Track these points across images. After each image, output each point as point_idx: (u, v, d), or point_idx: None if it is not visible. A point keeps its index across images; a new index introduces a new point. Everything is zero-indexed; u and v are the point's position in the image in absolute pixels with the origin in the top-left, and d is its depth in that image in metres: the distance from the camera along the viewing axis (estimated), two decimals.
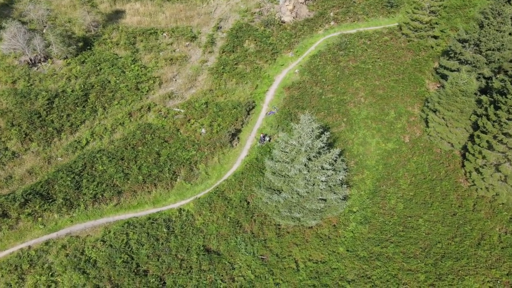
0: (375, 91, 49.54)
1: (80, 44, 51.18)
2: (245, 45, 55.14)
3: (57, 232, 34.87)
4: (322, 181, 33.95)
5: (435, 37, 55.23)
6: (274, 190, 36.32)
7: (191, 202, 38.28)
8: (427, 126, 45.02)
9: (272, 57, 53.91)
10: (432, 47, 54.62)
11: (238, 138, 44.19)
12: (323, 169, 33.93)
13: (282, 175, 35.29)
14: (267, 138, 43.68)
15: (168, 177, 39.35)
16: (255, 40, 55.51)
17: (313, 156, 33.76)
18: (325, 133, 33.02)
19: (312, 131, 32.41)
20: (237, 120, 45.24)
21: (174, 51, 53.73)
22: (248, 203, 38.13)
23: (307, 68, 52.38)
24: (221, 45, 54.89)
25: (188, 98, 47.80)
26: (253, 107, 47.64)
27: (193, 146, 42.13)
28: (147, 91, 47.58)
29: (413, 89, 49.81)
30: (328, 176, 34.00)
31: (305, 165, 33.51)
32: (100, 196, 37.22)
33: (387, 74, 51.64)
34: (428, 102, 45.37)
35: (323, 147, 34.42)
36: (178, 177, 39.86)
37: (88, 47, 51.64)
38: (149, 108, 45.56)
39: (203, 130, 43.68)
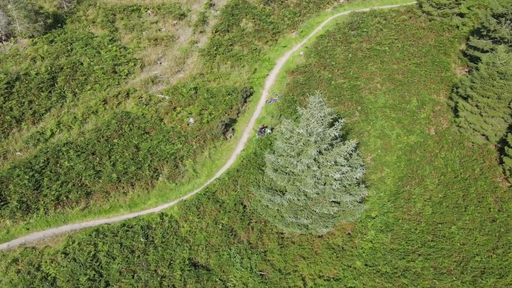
0: (393, 76, 44.51)
1: (49, 21, 45.97)
2: (242, 24, 50.07)
3: (8, 242, 29.65)
4: (335, 179, 28.79)
5: (461, 15, 50.18)
6: (276, 191, 31.15)
7: (175, 205, 33.09)
8: (456, 116, 39.91)
9: (273, 38, 48.83)
10: (458, 27, 49.62)
11: (233, 129, 39.02)
12: (337, 164, 28.76)
13: (286, 172, 30.14)
14: (267, 130, 38.52)
15: (148, 175, 34.18)
16: (254, 19, 50.44)
17: (325, 149, 28.60)
18: (339, 120, 27.86)
19: (324, 116, 27.27)
20: (231, 109, 40.08)
21: (159, 30, 48.60)
22: (245, 206, 32.95)
23: (314, 50, 47.33)
24: (214, 24, 49.85)
25: (175, 83, 42.59)
26: (251, 94, 42.51)
27: (179, 138, 36.94)
28: (126, 75, 42.40)
29: (438, 73, 44.75)
30: (343, 173, 28.82)
31: (314, 159, 28.36)
32: (65, 198, 32.02)
33: (406, 57, 46.63)
34: (458, 88, 40.25)
35: (337, 137, 29.26)
36: (160, 175, 34.69)
37: (59, 25, 46.47)
38: (127, 94, 40.38)
39: (191, 120, 38.50)
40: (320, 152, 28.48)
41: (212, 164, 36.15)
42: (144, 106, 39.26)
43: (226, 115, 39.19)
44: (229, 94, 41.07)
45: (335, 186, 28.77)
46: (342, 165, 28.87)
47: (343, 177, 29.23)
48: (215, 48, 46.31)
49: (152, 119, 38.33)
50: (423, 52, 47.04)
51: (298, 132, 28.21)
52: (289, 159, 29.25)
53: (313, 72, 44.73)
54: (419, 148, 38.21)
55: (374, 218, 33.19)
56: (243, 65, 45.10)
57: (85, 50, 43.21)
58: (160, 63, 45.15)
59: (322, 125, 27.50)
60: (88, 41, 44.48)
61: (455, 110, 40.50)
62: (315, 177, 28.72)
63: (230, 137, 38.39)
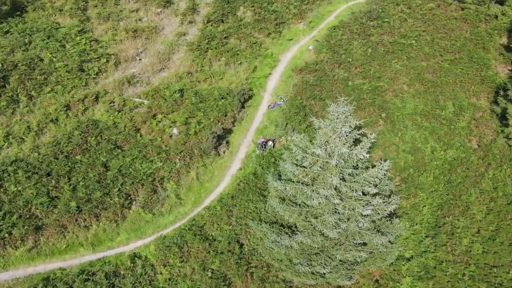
0: (422, 76, 38.13)
1: (5, 8, 39.44)
2: (239, 13, 43.70)
3: None
4: (364, 215, 22.31)
5: (500, 3, 43.84)
6: (283, 227, 24.68)
7: (151, 243, 26.62)
8: (504, 125, 33.51)
9: (277, 30, 42.42)
10: (496, 17, 43.20)
11: (227, 142, 32.51)
12: (365, 194, 22.27)
13: (297, 204, 23.67)
14: (269, 143, 32.02)
15: (118, 203, 27.71)
16: (253, 7, 44.06)
17: (349, 174, 22.09)
18: (369, 135, 21.37)
19: (350, 132, 20.86)
20: (226, 116, 33.58)
21: (140, 20, 42.16)
22: (242, 246, 26.47)
23: (326, 43, 40.92)
24: (206, 13, 43.55)
25: (156, 84, 36.08)
26: (250, 98, 36.05)
27: (159, 154, 30.41)
28: (97, 74, 35.89)
29: (477, 72, 38.36)
30: (374, 207, 22.28)
31: (335, 188, 21.86)
32: (7, 235, 25.54)
33: (437, 52, 40.24)
34: (506, 90, 33.84)
35: (364, 159, 22.78)
36: (134, 203, 28.20)
37: (18, 13, 39.96)
38: (97, 97, 33.82)
39: (175, 131, 31.96)
40: (343, 179, 22.01)
41: (201, 187, 29.62)
42: (117, 113, 32.73)
43: (219, 124, 32.65)
44: (222, 98, 34.55)
45: (363, 224, 22.27)
46: (372, 195, 22.44)
47: (374, 211, 22.73)
48: (206, 41, 39.86)
49: (126, 129, 31.78)
50: (457, 46, 40.65)
51: (314, 152, 21.71)
52: (301, 187, 22.77)
53: (326, 70, 38.28)
54: (460, 166, 31.73)
55: (409, 260, 26.67)
56: (240, 62, 38.64)
57: (47, 43, 36.67)
58: (140, 59, 38.66)
59: (346, 142, 21.03)
60: (52, 33, 37.96)
61: (502, 118, 34.11)
62: (336, 212, 22.21)
63: (224, 153, 31.86)
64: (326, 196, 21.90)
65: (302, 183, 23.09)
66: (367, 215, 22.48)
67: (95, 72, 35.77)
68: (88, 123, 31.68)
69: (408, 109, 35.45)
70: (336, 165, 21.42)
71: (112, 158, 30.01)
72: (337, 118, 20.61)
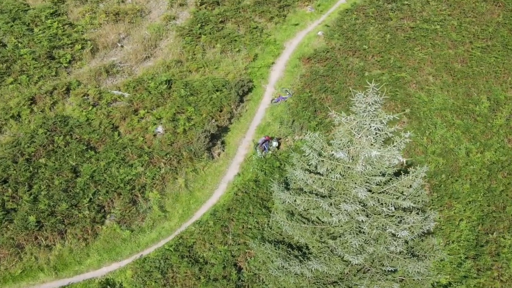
0: (450, 65, 33.97)
1: None
2: None
3: None
4: (396, 237, 18.10)
5: None
6: (293, 249, 20.40)
7: (128, 267, 22.38)
8: None
9: (281, 13, 38.17)
10: None
11: (222, 143, 28.24)
12: (398, 209, 18.05)
13: (310, 220, 19.43)
14: (274, 144, 27.76)
15: (88, 216, 23.47)
16: None
17: (376, 183, 17.82)
18: (403, 134, 17.10)
19: (381, 129, 16.66)
20: (221, 112, 29.31)
21: (123, 1, 37.86)
22: (240, 271, 22.18)
23: (338, 29, 36.71)
24: None
25: (140, 75, 31.80)
26: (250, 90, 31.83)
27: (140, 157, 26.13)
28: (69, 62, 31.63)
29: None
30: (409, 225, 18.00)
31: (360, 202, 17.61)
32: None
33: (466, 38, 36.05)
34: None
35: (394, 164, 18.52)
36: (108, 216, 23.96)
37: None
38: (68, 89, 29.52)
39: (160, 129, 27.69)
40: (369, 190, 17.74)
41: (190, 197, 25.34)
42: (91, 107, 28.43)
43: (213, 121, 28.37)
44: (217, 90, 30.26)
45: (396, 246, 17.98)
46: (404, 210, 18.19)
47: (409, 230, 18.44)
48: (199, 26, 35.62)
49: (102, 127, 27.51)
50: (489, 32, 36.43)
51: (333, 156, 17.42)
52: (315, 199, 18.47)
53: (338, 59, 34.05)
54: (501, 171, 27.51)
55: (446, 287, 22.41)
56: (238, 49, 34.39)
57: (12, 26, 32.38)
58: (121, 46, 34.40)
59: (375, 143, 16.75)
60: (19, 15, 33.66)
61: None
62: (361, 232, 17.92)
63: (219, 155, 27.56)
64: (348, 211, 17.63)
65: (317, 194, 18.82)
66: (403, 236, 18.22)
67: (68, 60, 31.49)
68: (55, 119, 27.36)
69: (436, 104, 31.22)
70: (362, 172, 17.17)
71: (83, 161, 25.74)
72: (364, 111, 16.33)
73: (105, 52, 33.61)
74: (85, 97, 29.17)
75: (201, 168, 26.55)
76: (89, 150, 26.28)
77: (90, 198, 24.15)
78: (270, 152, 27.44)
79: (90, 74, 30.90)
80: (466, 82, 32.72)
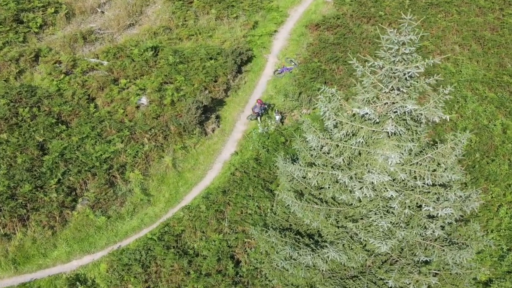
0: (479, 34, 31.16)
1: None
2: None
3: None
4: (433, 217, 15.37)
5: None
6: (302, 236, 17.62)
7: (103, 260, 19.48)
8: None
9: None
10: None
11: (217, 117, 25.43)
12: (435, 185, 15.29)
13: (324, 200, 16.65)
14: (276, 117, 24.98)
15: (56, 200, 20.64)
16: None
17: (409, 151, 14.99)
18: (444, 88, 14.36)
19: (418, 78, 14.01)
20: (216, 82, 26.46)
21: None
22: (238, 264, 19.35)
23: None
24: None
25: (122, 42, 28.96)
26: (249, 60, 29.04)
27: (120, 132, 23.28)
28: (40, 27, 28.77)
29: None
30: (451, 204, 15.18)
31: (389, 174, 14.82)
32: None
33: (496, 4, 33.45)
34: None
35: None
36: (80, 200, 21.11)
37: None
38: (36, 57, 26.66)
39: (144, 100, 24.90)
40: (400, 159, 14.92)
41: (179, 179, 22.51)
42: (63, 76, 25.60)
43: (206, 92, 25.52)
44: (211, 59, 27.45)
45: (433, 230, 15.13)
46: (448, 187, 15.41)
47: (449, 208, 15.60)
48: None
49: (75, 98, 24.71)
50: None
51: (356, 115, 14.61)
52: (331, 171, 15.65)
53: (350, 26, 31.22)
54: None
55: (487, 285, 19.56)
56: (236, 15, 31.59)
57: None
58: (102, 12, 31.57)
59: (408, 97, 14.02)
60: None
61: None
62: (388, 212, 15.07)
63: (213, 131, 24.72)
64: (374, 185, 14.80)
65: (333, 167, 16.02)
66: (437, 217, 15.40)
67: (38, 24, 28.64)
68: (21, 89, 24.47)
69: (465, 75, 28.45)
70: (393, 135, 14.35)
71: (52, 137, 22.94)
72: (395, 56, 13.53)
73: (83, 18, 30.81)
74: (57, 64, 26.30)
75: (192, 145, 23.72)
76: (59, 124, 23.50)
77: (59, 179, 21.33)
78: (274, 125, 24.64)
79: (64, 40, 28.10)
80: (499, 51, 29.93)
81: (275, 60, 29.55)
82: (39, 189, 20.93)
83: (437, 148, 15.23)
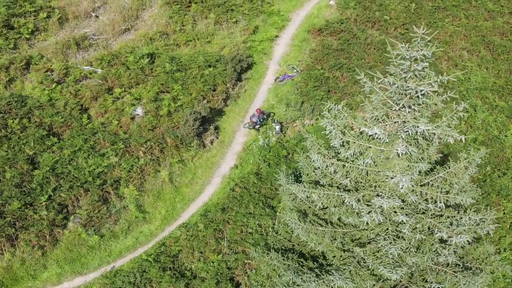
0: (488, 39, 30.47)
1: None
2: None
3: None
4: (443, 242, 14.68)
5: None
6: (306, 259, 16.90)
7: (96, 281, 18.76)
8: None
9: None
10: None
11: (216, 128, 24.70)
12: (449, 207, 14.63)
13: (329, 222, 15.95)
14: (276, 128, 24.27)
15: (46, 218, 19.91)
16: None
17: (420, 172, 14.31)
18: (460, 105, 13.79)
19: (431, 96, 13.33)
20: (214, 91, 25.75)
21: None
22: (238, 286, 18.62)
23: None
24: None
25: (117, 48, 28.24)
26: (250, 67, 28.36)
27: (114, 145, 22.55)
28: (32, 33, 28.03)
29: None
30: (467, 228, 14.48)
31: (398, 197, 14.13)
32: None
33: (505, 8, 32.96)
34: None
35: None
36: (72, 218, 20.39)
37: None
38: (27, 64, 25.93)
39: (139, 110, 24.16)
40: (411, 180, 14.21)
41: (176, 195, 21.78)
42: (55, 85, 24.86)
43: (205, 101, 24.79)
44: (210, 66, 26.73)
45: (446, 256, 14.41)
46: (461, 209, 14.75)
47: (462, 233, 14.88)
48: None
49: (67, 109, 23.97)
50: None
51: (363, 133, 13.89)
52: (337, 194, 14.93)
53: (354, 31, 30.50)
54: None
55: None
56: (235, 20, 30.87)
57: None
58: (97, 16, 30.85)
59: (421, 115, 13.35)
60: None
61: None
62: (399, 238, 14.34)
63: (212, 143, 23.98)
64: (383, 209, 14.07)
65: (339, 188, 15.31)
66: (449, 242, 14.68)
67: (29, 30, 27.89)
68: (10, 99, 23.73)
69: (473, 83, 27.72)
70: (402, 157, 13.62)
71: (43, 150, 22.18)
72: (406, 72, 12.81)
73: (76, 23, 30.08)
74: (49, 73, 25.56)
75: (190, 158, 22.99)
76: (50, 137, 22.73)
77: (50, 195, 20.58)
78: (272, 135, 23.95)
79: (56, 47, 27.35)
80: (509, 58, 29.26)
81: (276, 67, 28.83)
82: (28, 206, 20.19)
83: (449, 167, 14.59)
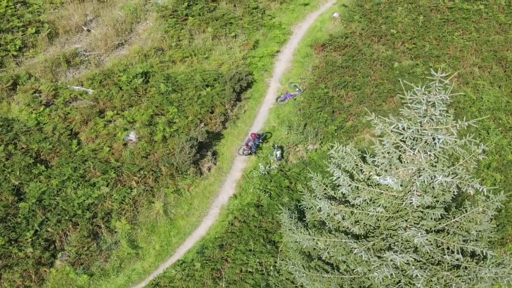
0: (500, 55, 29.66)
1: None
2: None
3: None
4: None
5: None
6: None
7: None
8: None
9: None
10: None
11: (214, 154, 23.78)
12: (467, 256, 13.79)
13: (335, 267, 15.07)
14: (277, 153, 23.35)
15: (32, 256, 18.98)
16: None
17: (435, 219, 13.44)
18: (479, 146, 13.00)
19: (449, 142, 12.41)
20: (212, 113, 24.87)
21: None
22: None
23: (358, 9, 32.43)
24: None
25: (109, 66, 27.32)
26: (249, 85, 27.50)
27: (105, 174, 21.62)
28: (19, 50, 27.08)
29: None
30: (486, 282, 13.59)
31: (415, 248, 13.31)
32: None
33: None
34: None
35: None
36: (60, 255, 19.49)
37: None
38: (14, 84, 25.00)
39: (132, 136, 23.25)
40: (426, 230, 13.32)
41: (171, 228, 20.87)
42: (43, 108, 23.93)
43: (202, 125, 23.91)
44: (208, 86, 25.83)
45: None
46: (480, 258, 13.87)
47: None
48: (186, 5, 31.22)
49: (56, 133, 23.02)
50: None
51: (374, 182, 12.97)
52: (345, 241, 14.06)
53: (360, 46, 29.66)
54: None
55: None
56: (234, 34, 29.97)
57: None
58: (88, 30, 29.95)
59: (437, 160, 12.44)
60: None
61: None
62: None
63: (209, 170, 23.06)
64: (395, 263, 13.14)
65: (347, 233, 14.42)
66: None
67: (17, 47, 26.94)
68: None
69: (486, 103, 26.86)
70: (418, 207, 12.71)
71: (29, 179, 21.23)
72: (423, 116, 11.90)
73: (67, 38, 29.14)
74: (37, 94, 24.63)
75: (186, 187, 22.05)
76: (38, 164, 21.79)
77: (36, 230, 19.68)
78: (273, 159, 23.08)
79: (46, 65, 26.42)
80: None
81: (277, 85, 27.92)
82: (13, 242, 19.28)
83: (465, 210, 13.75)
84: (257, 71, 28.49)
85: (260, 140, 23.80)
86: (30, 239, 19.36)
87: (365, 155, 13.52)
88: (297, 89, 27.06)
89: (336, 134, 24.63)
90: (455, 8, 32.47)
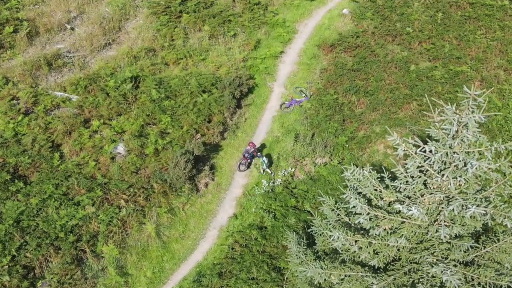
0: None
1: None
2: None
3: None
4: None
5: None
6: None
7: None
8: None
9: None
10: None
11: (212, 168, 23.26)
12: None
13: None
14: (264, 160, 22.87)
15: (10, 284, 18.53)
16: None
17: (465, 251, 13.01)
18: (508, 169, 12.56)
19: (483, 168, 11.84)
20: (210, 123, 24.38)
21: None
22: None
23: (370, 5, 32.14)
24: None
25: (95, 69, 26.84)
26: (251, 91, 27.04)
27: (91, 192, 21.10)
28: None
29: None
30: None
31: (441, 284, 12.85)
32: None
33: None
34: None
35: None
36: (40, 284, 18.99)
37: None
38: None
39: (121, 148, 22.76)
40: (454, 264, 12.84)
41: (164, 252, 20.36)
42: (21, 117, 23.40)
43: (198, 136, 23.38)
44: (204, 92, 25.33)
45: None
46: None
47: None
48: (180, 0, 30.76)
49: (36, 146, 22.48)
50: None
51: (396, 211, 12.48)
52: (360, 273, 13.61)
53: (372, 46, 29.25)
54: None
55: None
56: (234, 33, 29.58)
57: None
58: (72, 28, 29.57)
59: (468, 187, 12.00)
60: None
61: None
62: None
63: (206, 186, 22.55)
64: None
65: (363, 265, 13.89)
66: None
67: None
68: None
69: None
70: (444, 237, 12.19)
71: (6, 198, 20.70)
72: (453, 137, 11.41)
73: (48, 37, 28.81)
74: (14, 101, 24.11)
75: (181, 206, 21.56)
76: (16, 181, 21.25)
77: (13, 256, 19.15)
78: (264, 170, 22.67)
79: (25, 68, 25.99)
80: None
81: (281, 90, 27.49)
82: None
83: (497, 240, 13.29)
84: (259, 74, 28.07)
85: (259, 154, 23.18)
86: (7, 266, 18.81)
87: (383, 174, 13.04)
88: (304, 95, 26.60)
89: (347, 145, 24.14)
90: (477, 4, 32.08)
